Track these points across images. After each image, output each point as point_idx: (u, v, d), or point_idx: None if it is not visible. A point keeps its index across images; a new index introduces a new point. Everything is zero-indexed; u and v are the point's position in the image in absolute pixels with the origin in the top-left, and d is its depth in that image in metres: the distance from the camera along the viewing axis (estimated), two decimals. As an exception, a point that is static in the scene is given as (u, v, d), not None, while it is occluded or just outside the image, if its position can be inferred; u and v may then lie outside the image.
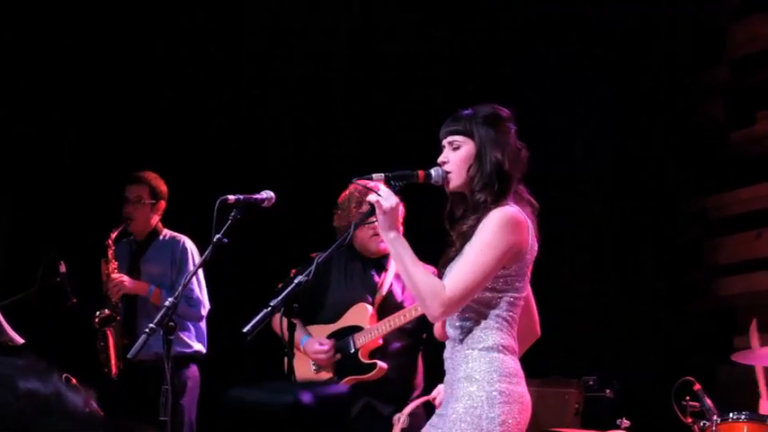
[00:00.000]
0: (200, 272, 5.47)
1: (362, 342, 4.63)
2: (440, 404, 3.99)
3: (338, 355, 4.66)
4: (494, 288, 3.24)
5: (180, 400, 5.35)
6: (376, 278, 4.75)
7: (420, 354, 4.76)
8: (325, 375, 4.68)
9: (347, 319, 4.72)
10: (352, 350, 4.64)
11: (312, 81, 7.08)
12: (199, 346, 5.56)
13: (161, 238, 5.66)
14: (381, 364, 4.60)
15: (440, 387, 4.07)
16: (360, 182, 3.33)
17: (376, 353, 4.65)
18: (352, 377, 4.64)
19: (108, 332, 5.46)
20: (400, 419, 4.24)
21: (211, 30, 6.93)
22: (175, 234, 5.66)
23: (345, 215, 4.63)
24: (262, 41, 7.03)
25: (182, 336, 5.44)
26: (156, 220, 5.66)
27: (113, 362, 5.45)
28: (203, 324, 5.59)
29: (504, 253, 3.19)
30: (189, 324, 5.51)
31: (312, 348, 4.66)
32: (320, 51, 7.10)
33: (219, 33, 6.96)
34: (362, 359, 4.63)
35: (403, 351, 4.68)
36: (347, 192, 4.69)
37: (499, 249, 3.18)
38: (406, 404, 4.46)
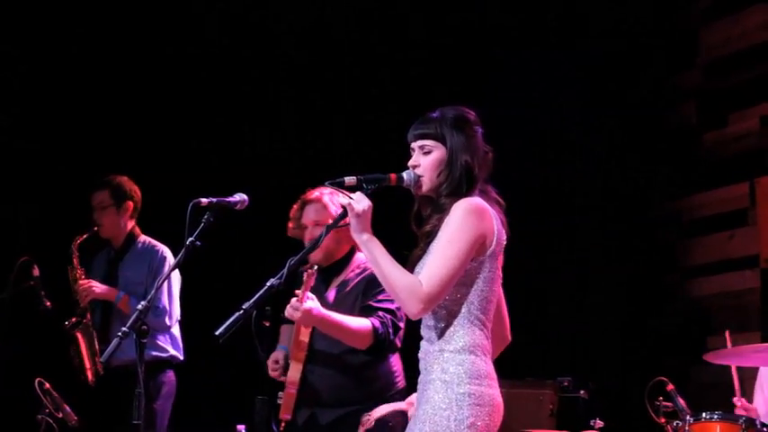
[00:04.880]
0: (174, 281, 5.42)
1: (290, 353, 4.58)
2: (411, 416, 4.01)
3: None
4: (464, 283, 3.25)
5: (153, 404, 5.29)
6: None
7: (383, 360, 4.52)
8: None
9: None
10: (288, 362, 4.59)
11: (287, 84, 7.08)
12: (174, 352, 5.50)
13: (139, 244, 5.57)
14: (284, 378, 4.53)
15: (412, 396, 4.08)
16: (331, 185, 3.34)
17: (309, 360, 4.50)
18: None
19: (78, 336, 5.41)
20: (368, 420, 4.20)
21: (186, 32, 6.92)
22: (154, 242, 5.56)
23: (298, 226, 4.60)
24: (235, 42, 7.03)
25: (157, 341, 5.39)
26: (128, 224, 5.57)
27: (88, 367, 5.39)
28: (177, 331, 5.53)
29: (473, 241, 3.21)
30: (156, 332, 5.41)
31: (269, 362, 4.60)
32: (296, 55, 7.11)
33: (194, 35, 6.96)
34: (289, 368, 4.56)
35: (339, 357, 4.47)
36: (295, 205, 4.63)
37: (468, 237, 3.20)
38: (345, 412, 4.41)
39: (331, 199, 4.51)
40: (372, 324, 4.35)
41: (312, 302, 4.26)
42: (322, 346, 4.49)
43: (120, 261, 5.58)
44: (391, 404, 4.26)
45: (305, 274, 4.28)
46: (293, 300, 4.23)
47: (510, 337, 3.53)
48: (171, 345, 5.50)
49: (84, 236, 5.51)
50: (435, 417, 3.19)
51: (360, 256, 4.58)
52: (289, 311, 4.25)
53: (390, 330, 4.39)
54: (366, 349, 4.40)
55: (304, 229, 4.57)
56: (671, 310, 6.82)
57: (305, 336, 4.51)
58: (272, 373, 4.57)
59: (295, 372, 4.48)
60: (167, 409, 5.45)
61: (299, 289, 4.25)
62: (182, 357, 5.55)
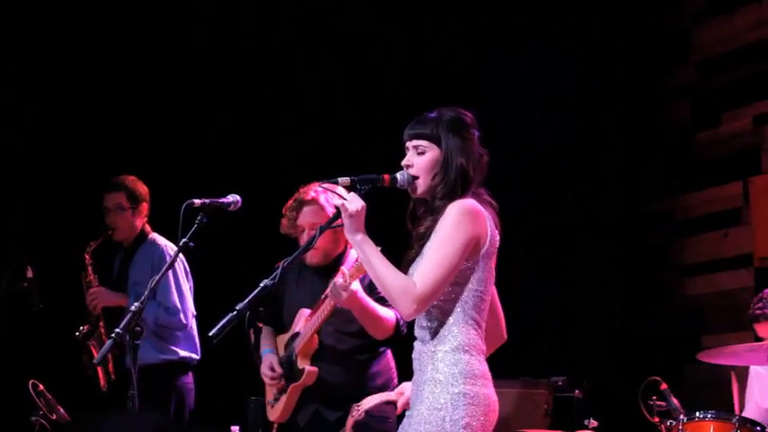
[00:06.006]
0: (181, 278, 5.34)
1: (298, 347, 4.48)
2: (402, 406, 3.99)
3: (282, 381, 4.53)
4: (458, 283, 3.25)
5: (166, 409, 5.17)
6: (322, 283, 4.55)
7: (382, 356, 4.55)
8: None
9: (294, 327, 4.58)
10: (294, 357, 4.50)
11: (280, 86, 7.08)
12: (186, 353, 5.36)
13: (146, 243, 5.44)
14: (309, 369, 4.42)
15: (403, 385, 4.08)
16: (325, 185, 3.34)
17: (316, 357, 4.47)
18: (292, 385, 4.46)
19: (91, 347, 5.33)
20: (358, 410, 4.17)
21: (182, 35, 6.92)
22: (158, 239, 5.45)
23: (291, 223, 4.58)
24: (230, 44, 7.03)
25: (167, 344, 5.28)
26: (140, 223, 5.45)
27: (101, 375, 5.31)
28: (193, 330, 5.39)
29: (467, 242, 3.21)
30: (174, 332, 5.32)
31: (263, 369, 4.53)
32: (288, 56, 7.10)
33: (188, 38, 6.95)
34: (298, 364, 4.46)
35: (347, 354, 4.47)
36: (290, 200, 4.58)
37: (462, 239, 3.21)
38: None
39: (327, 199, 4.49)
40: (396, 316, 4.37)
41: (357, 284, 4.21)
42: (330, 341, 4.48)
43: (130, 262, 5.46)
44: (380, 394, 4.25)
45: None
46: (340, 280, 4.15)
47: (506, 336, 3.53)
48: (184, 345, 5.37)
49: (99, 241, 5.42)
50: (430, 417, 3.18)
51: (352, 254, 4.57)
52: (333, 292, 4.17)
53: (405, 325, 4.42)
54: (381, 339, 4.41)
55: (299, 230, 4.55)
56: (665, 310, 6.83)
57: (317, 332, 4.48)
58: (269, 381, 4.52)
59: (313, 367, 4.44)
60: (183, 412, 5.30)
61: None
62: (197, 357, 5.41)
